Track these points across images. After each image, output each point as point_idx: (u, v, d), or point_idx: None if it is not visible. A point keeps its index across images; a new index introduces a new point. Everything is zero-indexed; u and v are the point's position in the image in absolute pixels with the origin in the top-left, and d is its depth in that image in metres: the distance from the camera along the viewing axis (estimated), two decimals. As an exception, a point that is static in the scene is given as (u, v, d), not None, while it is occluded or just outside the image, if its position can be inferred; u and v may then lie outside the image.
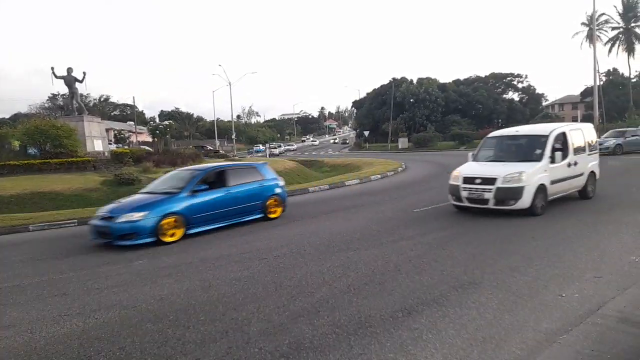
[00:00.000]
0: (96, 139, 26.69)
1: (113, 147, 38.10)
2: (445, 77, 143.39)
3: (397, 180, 19.11)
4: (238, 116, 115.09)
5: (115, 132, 66.96)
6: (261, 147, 68.20)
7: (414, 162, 29.60)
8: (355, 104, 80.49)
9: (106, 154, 26.41)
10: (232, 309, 4.77)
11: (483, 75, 74.41)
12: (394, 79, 68.80)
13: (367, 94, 75.92)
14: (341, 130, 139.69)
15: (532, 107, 70.97)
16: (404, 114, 63.69)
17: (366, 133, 62.61)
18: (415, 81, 68.80)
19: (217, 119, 79.64)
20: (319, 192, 16.71)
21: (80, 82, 26.48)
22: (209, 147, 50.60)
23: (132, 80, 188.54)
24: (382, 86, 71.38)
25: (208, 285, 5.68)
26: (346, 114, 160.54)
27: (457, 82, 72.11)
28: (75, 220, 11.89)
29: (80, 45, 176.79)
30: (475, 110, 67.29)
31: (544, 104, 76.18)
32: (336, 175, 24.45)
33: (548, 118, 47.44)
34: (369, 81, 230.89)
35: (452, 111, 64.94)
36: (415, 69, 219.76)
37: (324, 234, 8.61)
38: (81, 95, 29.08)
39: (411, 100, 63.89)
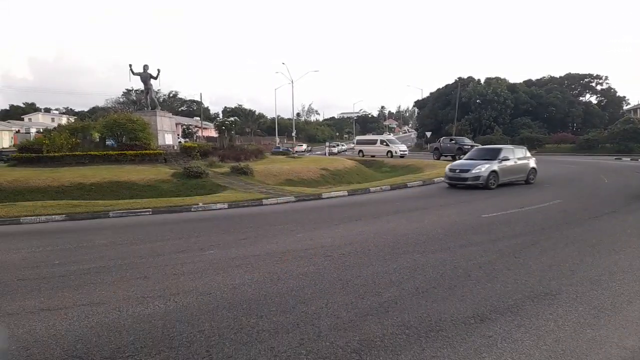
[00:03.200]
0: (167, 133, 28.26)
1: (181, 141, 40.16)
2: (515, 77, 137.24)
3: (461, 184, 18.54)
4: (298, 114, 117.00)
5: (184, 127, 70.38)
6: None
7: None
8: (418, 103, 78.96)
9: (176, 147, 27.91)
10: (301, 302, 4.89)
11: (557, 76, 70.31)
12: (460, 78, 66.82)
13: (431, 93, 74.29)
14: (401, 131, 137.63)
15: (611, 110, 66.05)
16: (469, 115, 61.59)
17: (428, 134, 61.22)
18: (482, 81, 66.38)
19: (278, 116, 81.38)
20: (380, 192, 16.62)
21: (155, 78, 28.11)
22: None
23: (199, 76, 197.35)
24: (447, 86, 69.55)
25: (277, 278, 5.86)
26: (407, 114, 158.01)
27: (528, 83, 68.70)
28: (150, 210, 12.69)
29: (152, 42, 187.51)
30: (548, 113, 63.70)
31: (625, 107, 70.60)
32: (397, 176, 24.15)
33: (630, 123, 43.80)
34: (432, 80, 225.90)
35: (522, 113, 61.93)
36: (483, 68, 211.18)
37: (388, 234, 8.57)
38: (154, 91, 30.83)
39: (477, 101, 61.64)
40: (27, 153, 23.55)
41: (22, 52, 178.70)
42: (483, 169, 15.96)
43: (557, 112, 63.15)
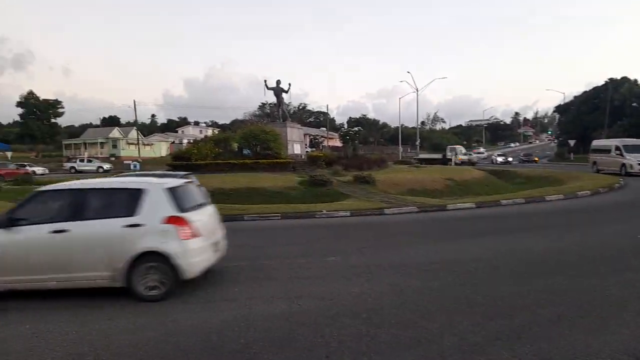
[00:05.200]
0: (296, 143, 29.87)
1: (308, 150, 42.11)
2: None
3: (613, 199, 16.15)
4: (422, 122, 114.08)
5: (311, 137, 73.67)
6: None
7: (636, 178, 24.61)
8: (559, 109, 71.25)
9: (303, 156, 29.33)
10: (422, 318, 4.70)
11: None
12: (610, 79, 58.63)
13: (575, 97, 66.48)
14: (538, 139, 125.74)
15: None
16: (623, 121, 53.58)
17: (571, 142, 54.75)
18: (640, 81, 57.35)
19: (402, 125, 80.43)
20: (513, 205, 15.29)
21: (286, 92, 30.01)
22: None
23: (327, 89, 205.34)
24: (594, 88, 61.63)
25: (399, 290, 5.73)
26: (546, 120, 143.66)
27: (703, 80, 57.40)
28: (279, 215, 13.48)
29: (282, 57, 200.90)
30: None
31: None
32: (532, 188, 22.02)
33: None
34: (576, 83, 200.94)
35: (696, 117, 51.88)
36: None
37: (523, 252, 7.82)
38: (285, 104, 32.92)
39: (634, 104, 53.39)
40: (179, 161, 27.02)
41: (179, 74, 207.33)
42: None
43: None
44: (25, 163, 40.54)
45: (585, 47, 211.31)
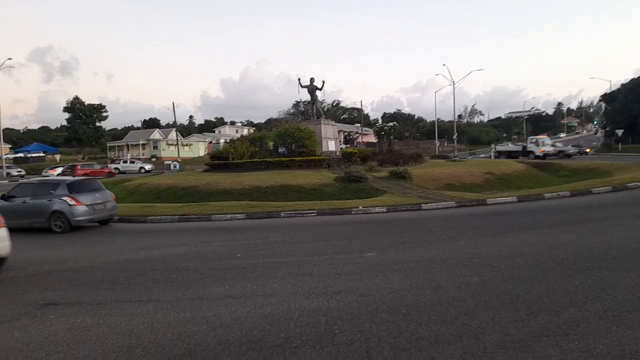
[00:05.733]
0: (330, 140, 29.92)
1: (343, 147, 42.07)
2: None
3: (666, 190, 15.31)
4: (459, 116, 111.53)
5: (345, 133, 73.58)
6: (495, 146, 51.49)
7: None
8: (605, 97, 68.06)
9: (337, 153, 29.33)
10: (463, 314, 4.63)
11: None
12: (662, 64, 55.31)
13: (622, 85, 63.32)
14: (584, 129, 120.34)
15: None
16: (676, 108, 50.54)
17: (619, 132, 52.15)
18: (696, 65, 53.78)
19: (438, 119, 78.92)
20: (557, 199, 14.74)
21: (320, 90, 30.10)
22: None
23: (360, 84, 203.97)
24: (644, 74, 58.29)
25: (437, 285, 5.66)
26: (591, 110, 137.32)
27: None
28: (315, 211, 13.57)
29: (316, 54, 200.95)
30: None
31: None
32: (577, 181, 21.16)
33: None
34: (623, 70, 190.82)
35: None
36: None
37: (568, 247, 7.53)
38: (319, 101, 33.02)
39: (689, 89, 50.21)
40: (217, 160, 27.69)
41: (216, 75, 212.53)
42: None
43: None
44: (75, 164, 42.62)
45: (632, 32, 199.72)
